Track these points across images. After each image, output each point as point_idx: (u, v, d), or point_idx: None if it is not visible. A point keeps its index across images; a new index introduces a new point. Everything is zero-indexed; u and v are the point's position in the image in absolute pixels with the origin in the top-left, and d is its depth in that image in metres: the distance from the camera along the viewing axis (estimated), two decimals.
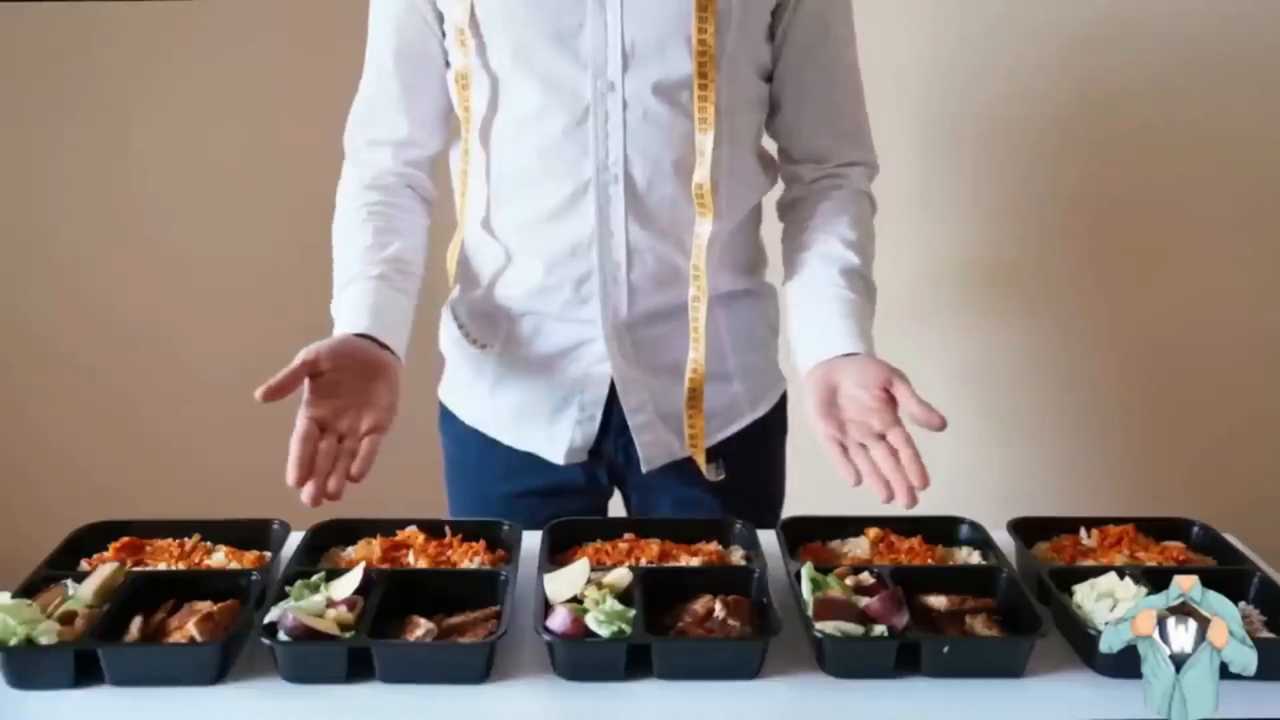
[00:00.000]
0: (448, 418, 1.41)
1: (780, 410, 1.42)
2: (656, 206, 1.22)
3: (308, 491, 1.04)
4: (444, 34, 1.24)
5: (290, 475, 1.04)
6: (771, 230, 1.38)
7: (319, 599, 1.00)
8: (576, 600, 1.01)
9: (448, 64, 1.26)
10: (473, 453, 1.38)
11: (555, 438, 1.32)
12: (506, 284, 1.29)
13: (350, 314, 1.19)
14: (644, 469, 1.33)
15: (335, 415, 1.10)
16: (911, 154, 2.03)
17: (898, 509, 1.19)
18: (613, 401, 1.31)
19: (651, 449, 1.32)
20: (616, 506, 1.45)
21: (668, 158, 1.20)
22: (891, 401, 1.09)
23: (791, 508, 1.42)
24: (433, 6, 1.23)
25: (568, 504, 1.30)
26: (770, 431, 1.41)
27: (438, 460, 1.47)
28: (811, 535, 1.18)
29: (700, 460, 1.31)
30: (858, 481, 1.06)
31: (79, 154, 2.14)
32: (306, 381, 1.09)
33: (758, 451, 1.39)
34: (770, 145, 1.35)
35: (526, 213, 1.24)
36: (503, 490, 1.36)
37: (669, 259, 1.25)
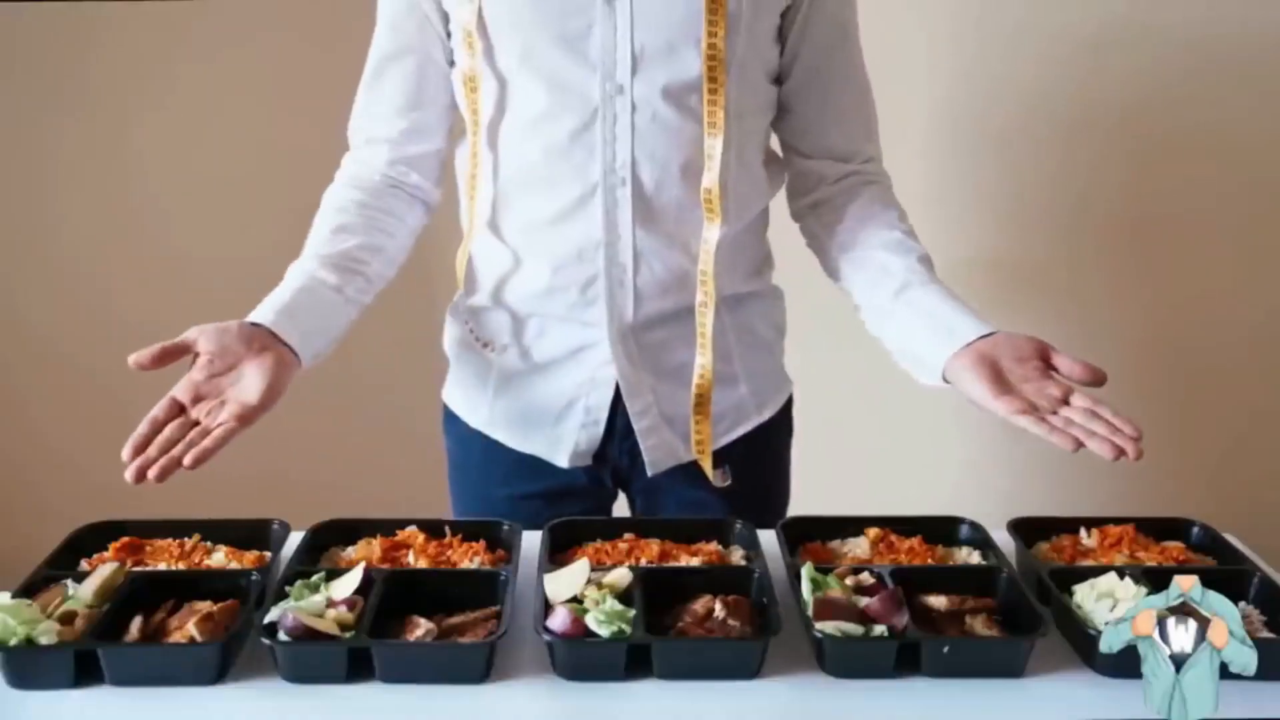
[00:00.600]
0: (451, 420, 1.41)
1: (786, 413, 1.42)
2: (664, 210, 1.22)
3: (131, 470, 1.00)
4: (449, 35, 1.24)
5: (125, 449, 1.01)
6: (777, 232, 1.37)
7: (319, 599, 1.00)
8: (576, 600, 1.01)
9: (451, 64, 1.26)
10: (476, 455, 1.38)
11: (559, 441, 1.32)
12: (512, 286, 1.29)
13: (263, 305, 1.16)
14: (649, 472, 1.33)
15: (196, 400, 1.06)
16: (918, 154, 2.03)
17: (898, 509, 1.19)
18: (618, 405, 1.31)
19: (656, 452, 1.32)
20: (621, 510, 1.45)
21: (676, 161, 1.20)
22: (1049, 371, 1.08)
23: (795, 510, 1.42)
24: (438, 7, 1.23)
25: (572, 507, 1.30)
26: (776, 435, 1.41)
27: (440, 461, 1.47)
28: (811, 535, 1.18)
29: (707, 467, 1.31)
30: (1078, 447, 1.01)
31: (79, 154, 2.14)
32: (193, 363, 1.07)
33: (764, 455, 1.39)
34: (775, 145, 1.35)
35: (533, 215, 1.24)
36: (506, 493, 1.36)
37: (675, 263, 1.24)
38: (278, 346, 1.12)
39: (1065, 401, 1.05)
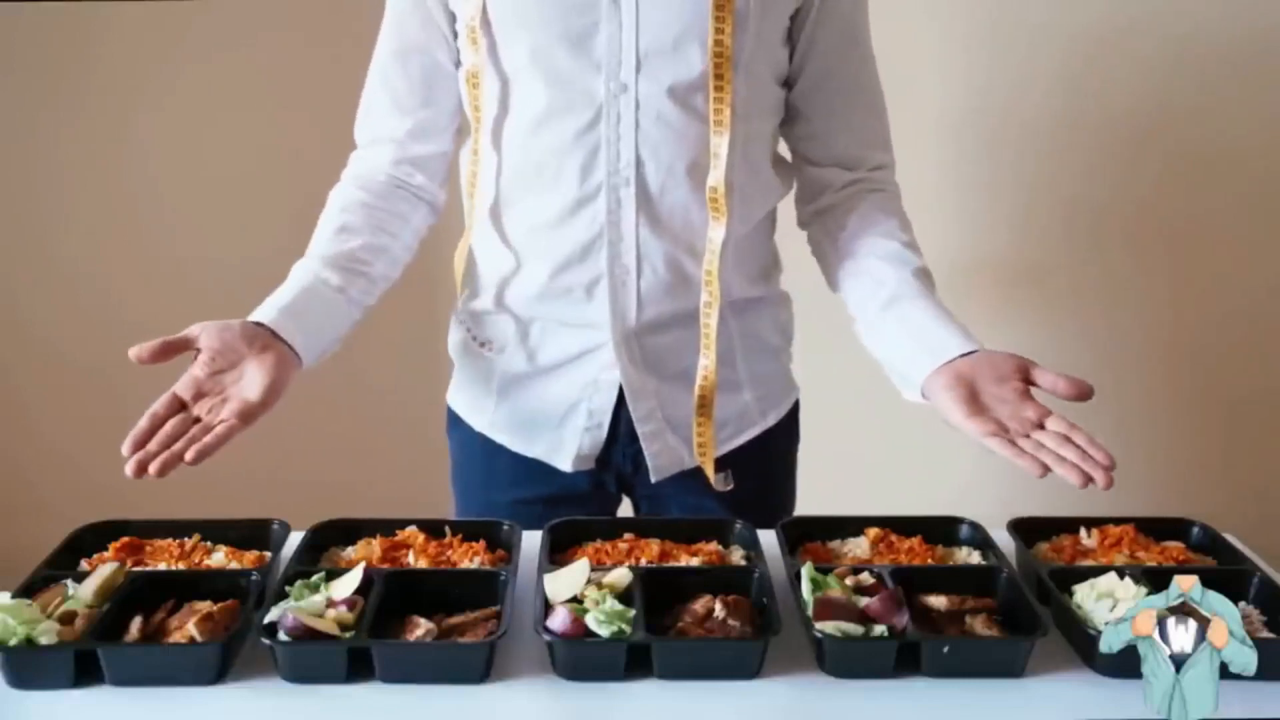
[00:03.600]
0: (455, 422, 1.41)
1: (792, 420, 1.41)
2: (668, 211, 1.21)
3: (130, 465, 1.00)
4: (455, 34, 1.24)
5: (125, 444, 1.01)
6: (785, 237, 1.37)
7: (319, 599, 1.00)
8: (576, 600, 1.01)
9: (458, 64, 1.26)
10: (480, 458, 1.38)
11: (562, 444, 1.32)
12: (515, 288, 1.28)
13: (264, 304, 1.16)
14: (653, 479, 1.32)
15: (198, 397, 1.06)
16: (929, 157, 2.03)
17: (898, 509, 1.19)
18: (621, 409, 1.30)
19: (660, 458, 1.32)
20: (624, 515, 1.45)
21: (681, 161, 1.20)
22: (1029, 390, 1.07)
23: (796, 511, 1.42)
24: (444, 6, 1.22)
25: (575, 512, 1.29)
26: (781, 441, 1.40)
27: (441, 461, 1.47)
28: (811, 535, 1.18)
29: (709, 470, 1.30)
30: (1044, 473, 1.00)
31: (79, 153, 2.14)
32: (196, 360, 1.07)
33: (768, 462, 1.38)
34: (784, 150, 1.35)
35: (536, 215, 1.24)
36: (510, 497, 1.35)
37: (680, 264, 1.24)
38: (279, 346, 1.12)
39: (1041, 424, 1.04)
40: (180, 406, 1.06)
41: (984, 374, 1.08)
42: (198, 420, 1.05)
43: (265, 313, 1.14)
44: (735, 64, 1.17)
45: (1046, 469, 1.00)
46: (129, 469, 1.00)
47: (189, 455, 1.01)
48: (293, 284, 1.19)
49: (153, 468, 1.00)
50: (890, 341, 1.20)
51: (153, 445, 1.01)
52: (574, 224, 1.22)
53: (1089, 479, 0.99)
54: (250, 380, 1.08)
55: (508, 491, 1.36)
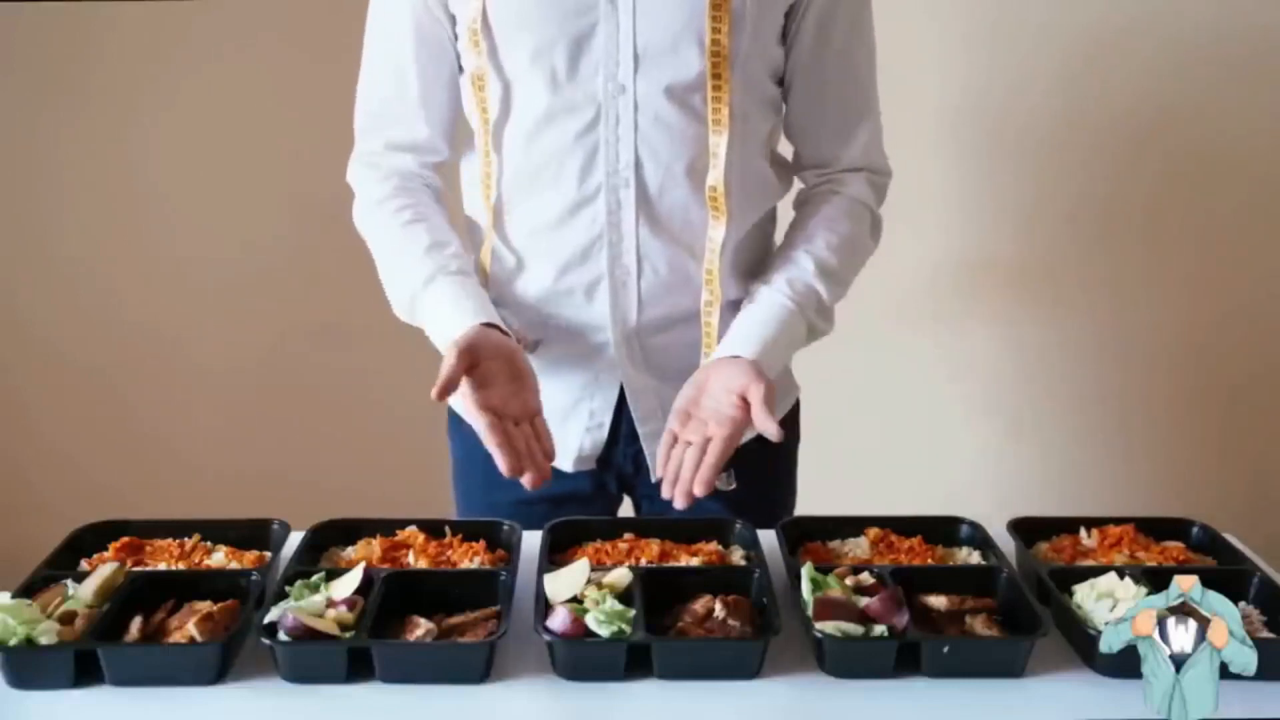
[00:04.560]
0: (457, 423, 1.41)
1: (792, 419, 1.41)
2: (668, 211, 1.22)
3: (529, 478, 1.09)
4: (456, 36, 1.24)
5: (504, 467, 1.08)
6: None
7: (319, 599, 1.00)
8: (576, 600, 1.01)
9: (461, 68, 1.26)
10: (481, 459, 1.37)
11: (564, 444, 1.32)
12: (517, 289, 1.29)
13: (460, 309, 1.18)
14: (654, 477, 1.32)
15: (504, 403, 1.13)
16: (933, 157, 2.04)
17: (898, 509, 1.19)
18: (622, 409, 1.30)
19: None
20: (625, 515, 1.45)
21: (679, 161, 1.20)
22: (748, 409, 1.13)
23: (796, 511, 1.42)
24: (445, 8, 1.22)
25: (576, 512, 1.29)
26: (782, 443, 1.40)
27: (441, 461, 1.47)
28: (811, 535, 1.18)
29: None
30: (661, 475, 1.15)
31: (79, 153, 2.14)
32: (465, 378, 1.11)
33: (769, 461, 1.38)
34: (786, 150, 1.35)
35: (536, 217, 1.24)
36: (510, 498, 1.35)
37: (680, 264, 1.24)
38: (507, 338, 1.18)
39: (710, 438, 1.13)
40: (499, 419, 1.11)
41: (719, 378, 1.16)
42: (516, 422, 1.14)
43: (479, 313, 1.18)
44: (732, 63, 1.17)
45: (661, 473, 1.15)
46: (528, 482, 1.10)
47: (549, 449, 1.14)
48: (458, 287, 1.21)
49: (545, 468, 1.11)
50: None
51: (528, 449, 1.12)
52: (574, 225, 1.22)
53: (670, 493, 1.13)
54: (524, 373, 1.16)
55: (509, 492, 1.35)
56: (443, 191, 1.32)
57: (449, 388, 1.08)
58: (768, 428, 1.11)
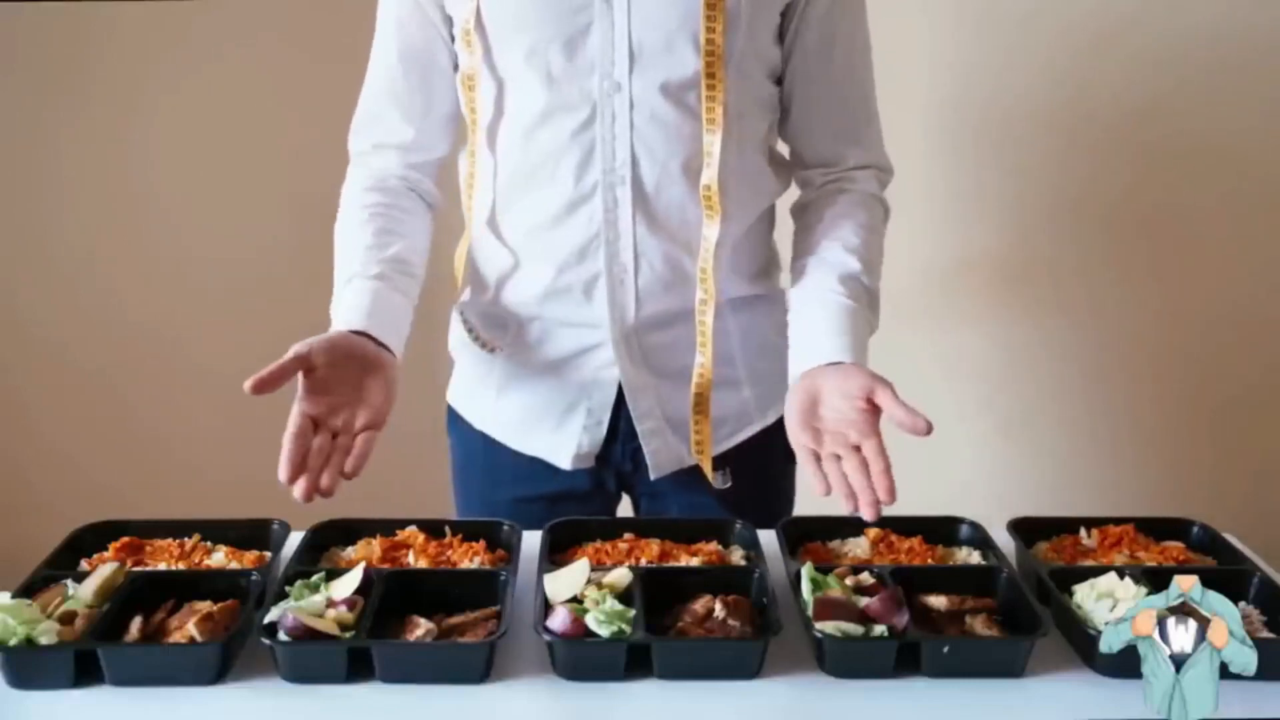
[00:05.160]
0: (456, 421, 1.41)
1: None
2: (664, 208, 1.22)
3: (299, 488, 1.03)
4: (453, 37, 1.24)
5: (282, 472, 1.03)
6: (784, 235, 1.37)
7: (319, 599, 1.00)
8: (576, 600, 1.01)
9: (456, 67, 1.26)
10: (480, 456, 1.38)
11: (562, 442, 1.32)
12: (514, 287, 1.29)
13: (347, 312, 1.18)
14: (652, 476, 1.33)
15: (330, 412, 1.09)
16: (923, 153, 2.03)
17: (898, 509, 1.19)
18: (621, 407, 1.31)
19: (659, 456, 1.32)
20: (624, 514, 1.45)
21: (675, 159, 1.20)
22: (875, 411, 1.08)
23: (796, 511, 1.42)
24: (441, 10, 1.23)
25: (575, 511, 1.29)
26: (781, 439, 1.40)
27: (441, 461, 1.47)
28: (811, 535, 1.18)
29: (706, 467, 1.31)
30: (826, 492, 1.06)
31: (79, 153, 2.14)
32: (300, 377, 1.08)
33: (768, 459, 1.38)
34: (784, 149, 1.35)
35: (533, 215, 1.24)
36: (510, 495, 1.36)
37: (677, 262, 1.24)
38: (382, 350, 1.15)
39: (859, 447, 1.07)
40: (314, 425, 1.08)
41: (832, 387, 1.12)
42: (334, 435, 1.08)
43: (357, 320, 1.16)
44: (727, 63, 1.17)
45: (829, 488, 1.06)
46: (299, 493, 1.03)
47: (348, 468, 1.06)
48: (362, 291, 1.20)
49: (323, 486, 1.04)
50: (791, 339, 1.23)
51: (313, 463, 1.05)
52: (571, 223, 1.22)
53: (856, 507, 1.04)
54: (372, 387, 1.12)
55: (508, 490, 1.36)
56: (431, 191, 1.32)
57: (263, 383, 1.04)
58: (916, 423, 1.05)
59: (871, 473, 1.05)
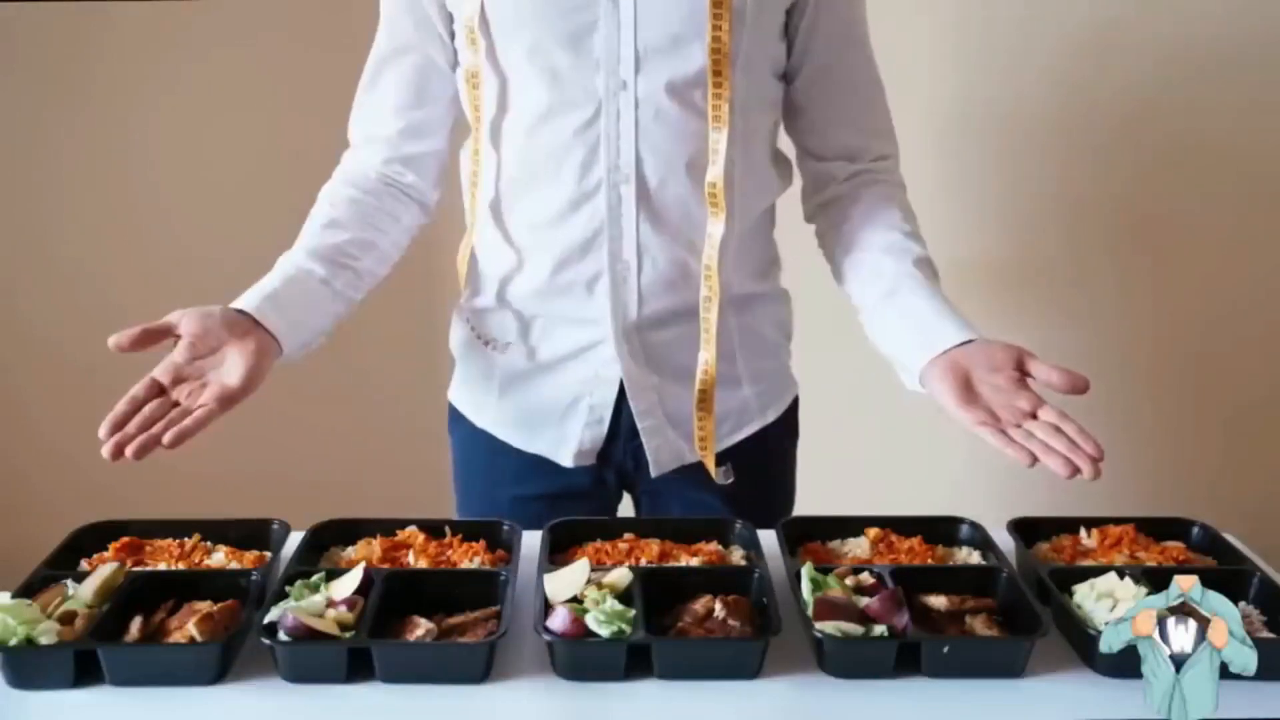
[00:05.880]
0: (457, 419, 1.41)
1: (791, 415, 1.41)
2: (668, 207, 1.22)
3: (108, 447, 1.01)
4: (452, 34, 1.24)
5: (102, 429, 1.02)
6: (785, 233, 1.37)
7: (319, 599, 1.00)
8: (576, 600, 1.01)
9: (455, 64, 1.26)
10: (481, 455, 1.38)
11: (563, 440, 1.32)
12: (516, 285, 1.29)
13: (249, 292, 1.17)
14: (653, 473, 1.33)
15: (176, 380, 1.07)
16: (923, 154, 2.03)
17: (898, 509, 1.19)
18: (622, 404, 1.31)
19: (660, 453, 1.32)
20: (624, 512, 1.45)
21: (680, 158, 1.20)
22: (1024, 380, 1.07)
23: (796, 510, 1.42)
24: (442, 7, 1.23)
25: (576, 509, 1.30)
26: (781, 437, 1.41)
27: (441, 461, 1.47)
28: (811, 535, 1.18)
29: (709, 464, 1.31)
30: (1033, 462, 1.01)
31: (79, 153, 2.14)
32: (175, 345, 1.07)
33: (768, 457, 1.39)
34: (787, 146, 1.35)
35: (536, 213, 1.24)
36: (511, 494, 1.36)
37: (680, 260, 1.24)
38: (260, 333, 1.13)
39: (1034, 414, 1.04)
40: (160, 391, 1.06)
41: (978, 363, 1.09)
42: (176, 404, 1.05)
43: (248, 300, 1.15)
44: (733, 60, 1.18)
45: (1035, 458, 1.01)
46: (106, 451, 1.01)
47: (167, 439, 1.01)
48: (277, 274, 1.20)
49: (129, 450, 1.00)
50: (890, 333, 1.20)
51: (131, 428, 1.02)
52: (574, 220, 1.22)
53: (1076, 469, 0.99)
54: (230, 366, 1.09)
55: (509, 488, 1.36)
56: (417, 186, 1.31)
57: (123, 341, 1.05)
58: (1075, 382, 1.03)
59: (1070, 433, 1.01)
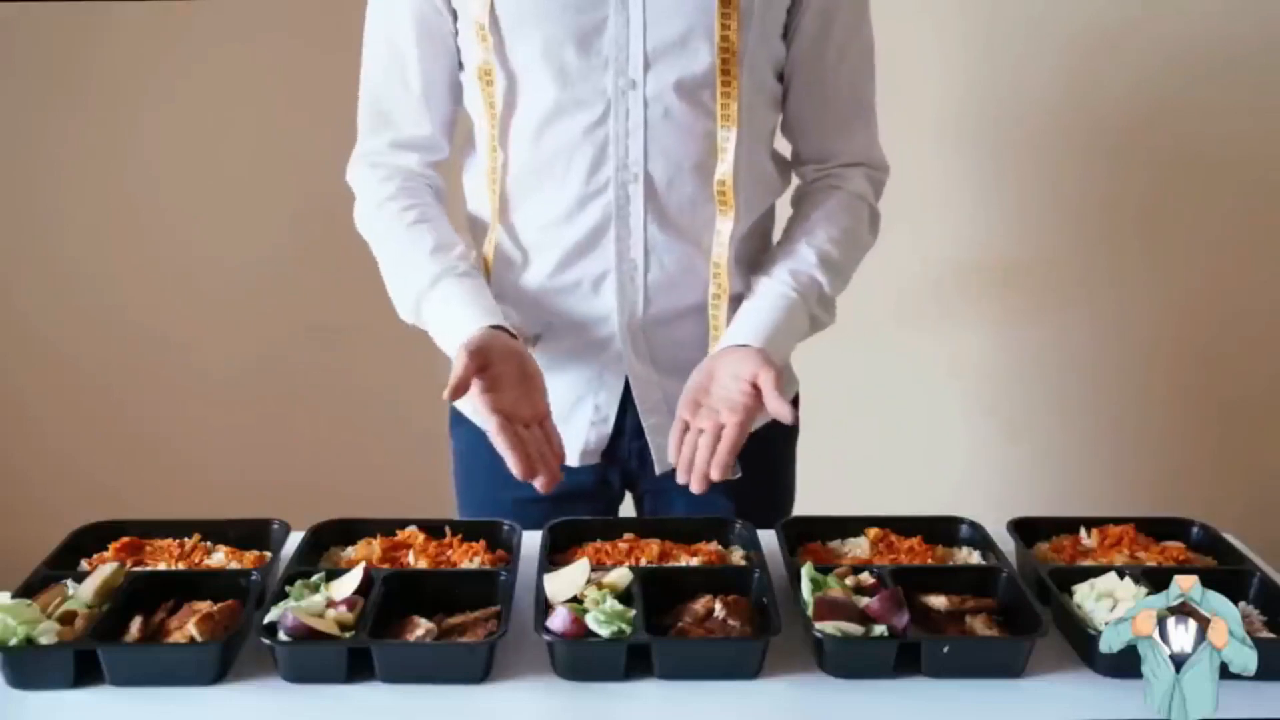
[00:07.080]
0: (459, 420, 1.41)
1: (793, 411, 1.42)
2: (676, 206, 1.22)
3: (541, 480, 1.09)
4: (457, 32, 1.24)
5: (517, 469, 1.08)
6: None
7: (319, 599, 1.00)
8: (576, 600, 1.01)
9: (460, 66, 1.26)
10: (484, 455, 1.37)
11: (569, 438, 1.32)
12: (523, 282, 1.29)
13: (468, 312, 1.18)
14: (658, 470, 1.33)
15: (513, 406, 1.12)
16: (931, 155, 2.03)
17: (898, 509, 1.19)
18: (627, 402, 1.31)
19: (665, 451, 1.32)
20: (625, 511, 1.45)
21: (688, 157, 1.20)
22: (755, 394, 1.13)
23: (796, 510, 1.42)
24: (447, 3, 1.22)
25: (579, 507, 1.29)
26: (782, 434, 1.40)
27: (441, 461, 1.46)
28: (811, 535, 1.18)
29: None
30: (675, 459, 1.14)
31: (80, 154, 2.14)
32: (475, 379, 1.10)
33: (769, 453, 1.38)
34: (785, 148, 1.35)
35: (544, 211, 1.24)
36: (513, 495, 1.35)
37: (687, 259, 1.25)
38: (515, 340, 1.18)
39: (723, 424, 1.13)
40: (509, 421, 1.11)
41: (727, 367, 1.17)
42: (527, 425, 1.14)
43: (485, 316, 1.18)
44: (741, 59, 1.18)
45: (677, 456, 1.14)
46: (540, 485, 1.10)
47: (560, 452, 1.15)
48: (468, 289, 1.21)
49: (548, 473, 1.11)
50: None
51: (538, 453, 1.11)
52: (581, 219, 1.22)
53: (687, 478, 1.13)
54: (529, 376, 1.16)
55: (512, 489, 1.35)
56: (443, 190, 1.32)
57: (461, 389, 1.08)
58: (782, 410, 1.11)
59: (718, 450, 1.11)
